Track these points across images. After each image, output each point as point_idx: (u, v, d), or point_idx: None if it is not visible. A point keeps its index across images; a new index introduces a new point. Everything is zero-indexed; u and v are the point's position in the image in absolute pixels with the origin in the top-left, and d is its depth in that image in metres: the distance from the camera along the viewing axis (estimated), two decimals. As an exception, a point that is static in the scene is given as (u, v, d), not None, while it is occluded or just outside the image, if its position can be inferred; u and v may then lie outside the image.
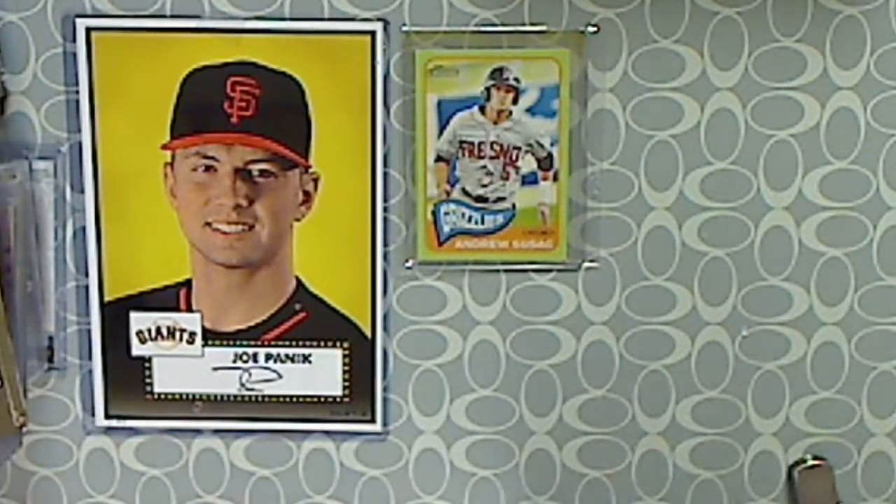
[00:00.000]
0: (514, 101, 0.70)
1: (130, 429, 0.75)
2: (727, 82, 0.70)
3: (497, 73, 0.69)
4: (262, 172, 0.70)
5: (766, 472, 0.76)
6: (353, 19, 0.69)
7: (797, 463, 0.75)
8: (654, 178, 0.71)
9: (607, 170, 0.71)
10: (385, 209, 0.71)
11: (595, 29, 0.69)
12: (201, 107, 0.70)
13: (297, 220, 0.71)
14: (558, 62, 0.69)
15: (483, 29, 0.69)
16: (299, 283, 0.72)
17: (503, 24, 0.69)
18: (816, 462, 0.75)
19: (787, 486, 0.76)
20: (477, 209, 0.71)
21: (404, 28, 0.69)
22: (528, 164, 0.71)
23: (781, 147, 0.71)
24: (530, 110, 0.70)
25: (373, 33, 0.69)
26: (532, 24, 0.69)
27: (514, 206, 0.71)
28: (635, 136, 0.71)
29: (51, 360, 0.73)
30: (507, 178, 0.71)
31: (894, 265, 0.72)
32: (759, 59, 0.69)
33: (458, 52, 0.69)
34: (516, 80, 0.69)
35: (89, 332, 0.73)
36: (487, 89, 0.69)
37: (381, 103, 0.70)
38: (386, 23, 0.69)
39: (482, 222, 0.71)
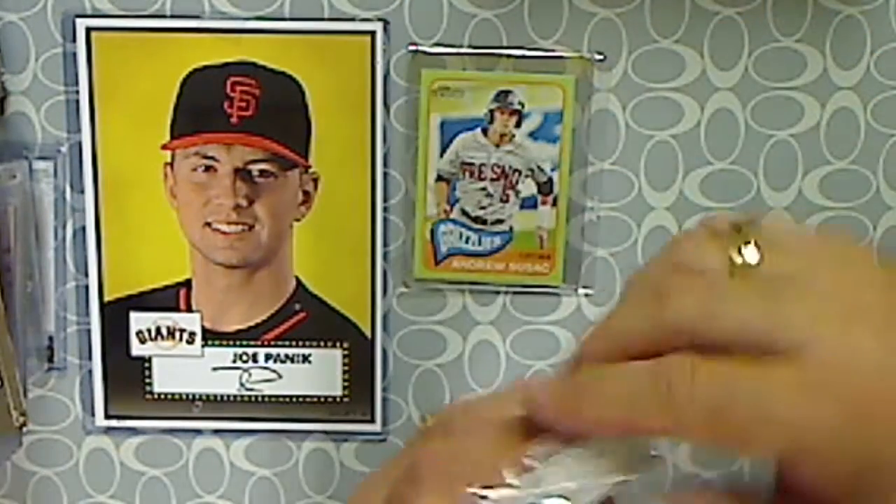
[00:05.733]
0: (517, 125, 0.70)
1: (130, 429, 0.75)
2: (727, 82, 0.70)
3: (502, 96, 0.69)
4: (262, 172, 0.70)
5: (766, 471, 0.76)
6: (353, 19, 0.69)
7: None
8: (654, 178, 0.71)
9: (607, 170, 0.71)
10: (385, 209, 0.71)
11: (601, 57, 0.68)
12: (201, 107, 0.70)
13: (297, 220, 0.71)
14: (563, 89, 0.69)
15: (488, 52, 0.69)
16: (299, 283, 0.72)
17: (504, 28, 0.69)
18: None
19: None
20: (475, 230, 0.71)
21: (411, 48, 0.69)
22: (527, 187, 0.70)
23: (781, 147, 0.71)
24: (532, 135, 0.70)
25: (373, 33, 0.69)
26: (533, 30, 0.69)
27: (511, 228, 0.71)
28: (635, 136, 0.71)
29: (51, 359, 0.73)
30: (506, 201, 0.71)
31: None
32: (759, 59, 0.69)
33: (463, 74, 0.69)
34: (520, 104, 0.69)
35: (89, 332, 0.73)
36: (491, 112, 0.69)
37: (381, 103, 0.70)
38: (386, 23, 0.69)
39: (479, 243, 0.71)
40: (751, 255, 0.38)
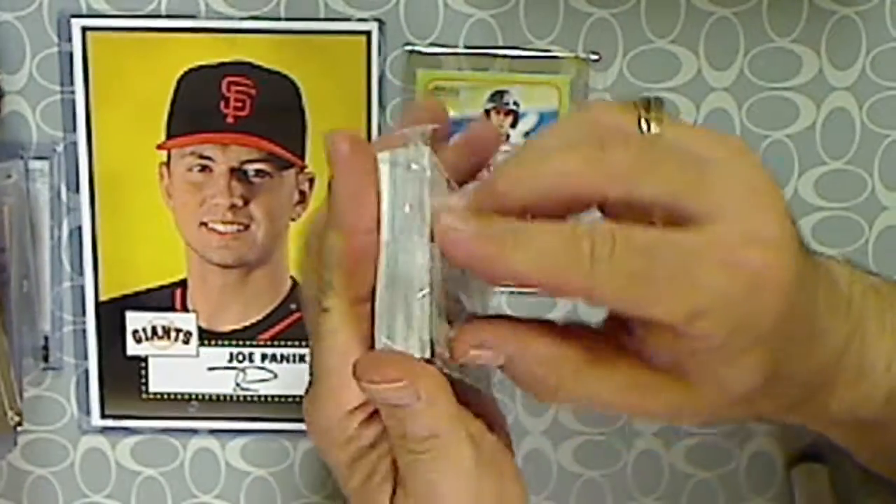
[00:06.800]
0: (513, 125, 0.70)
1: (126, 428, 0.75)
2: (723, 83, 0.70)
3: (497, 96, 0.69)
4: (258, 172, 0.70)
5: (762, 471, 0.76)
6: (348, 19, 0.69)
7: (794, 463, 0.75)
8: (649, 179, 0.71)
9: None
10: (381, 209, 0.71)
11: (597, 57, 0.68)
12: (197, 107, 0.70)
13: (293, 219, 0.71)
14: (558, 89, 0.69)
15: (484, 52, 0.69)
16: (295, 283, 0.72)
17: (500, 29, 0.69)
18: (813, 462, 0.75)
19: (784, 487, 0.76)
20: None
21: (407, 48, 0.69)
22: None
23: (777, 147, 0.71)
24: (528, 135, 0.70)
25: (368, 33, 0.69)
26: (528, 30, 0.69)
27: None
28: (631, 136, 0.71)
29: (46, 359, 0.73)
30: None
31: (889, 266, 0.72)
32: (754, 59, 0.69)
33: (459, 74, 0.69)
34: (516, 104, 0.69)
35: (85, 331, 0.73)
36: (487, 112, 0.69)
37: (377, 103, 0.70)
38: (382, 23, 0.69)
39: None
40: (656, 128, 0.41)
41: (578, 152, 0.40)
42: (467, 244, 0.39)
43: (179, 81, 0.70)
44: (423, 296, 0.41)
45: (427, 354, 0.41)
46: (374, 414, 0.43)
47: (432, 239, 0.40)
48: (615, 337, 0.43)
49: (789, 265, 0.39)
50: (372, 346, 0.42)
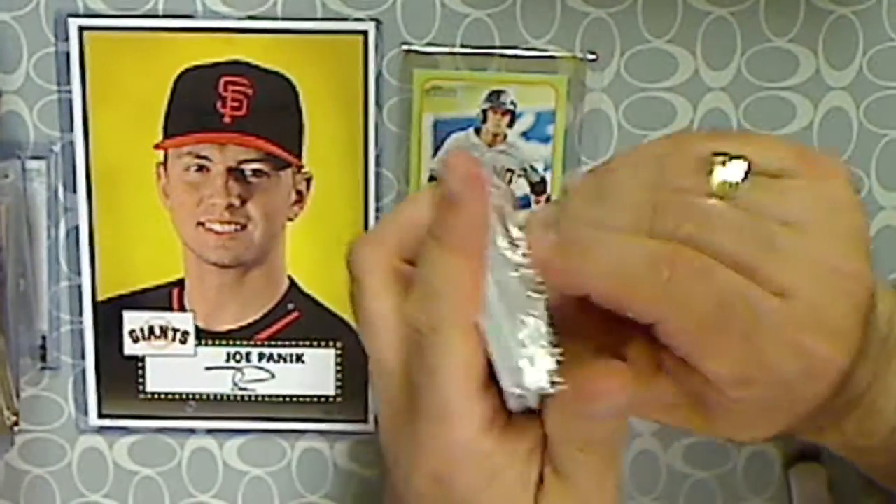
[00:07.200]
0: (510, 125, 0.69)
1: (123, 428, 0.75)
2: (720, 82, 0.70)
3: (494, 96, 0.69)
4: (255, 172, 0.70)
5: (760, 471, 0.76)
6: (345, 19, 0.69)
7: (791, 463, 0.75)
8: (646, 178, 0.71)
9: (600, 170, 0.71)
10: (378, 209, 0.71)
11: (594, 57, 0.68)
12: (194, 106, 0.70)
13: (290, 219, 0.71)
14: (555, 88, 0.69)
15: (481, 51, 0.69)
16: (292, 282, 0.72)
17: (497, 28, 0.69)
18: (811, 462, 0.75)
19: (782, 486, 0.76)
20: None
21: (404, 48, 0.69)
22: (521, 187, 0.70)
23: (774, 147, 0.71)
24: (525, 134, 0.70)
25: (365, 33, 0.69)
26: (525, 30, 0.69)
27: None
28: (628, 136, 0.71)
29: (44, 359, 0.73)
30: None
31: (888, 264, 0.72)
32: (751, 59, 0.69)
33: (456, 73, 0.69)
34: (513, 103, 0.69)
35: (82, 331, 0.73)
36: (484, 111, 0.69)
37: (374, 103, 0.70)
38: (379, 23, 0.69)
39: None
40: (737, 173, 0.38)
41: (634, 219, 0.38)
42: (542, 252, 0.38)
43: (176, 81, 0.70)
44: (531, 309, 0.40)
45: (557, 359, 0.39)
46: (507, 424, 0.41)
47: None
48: (651, 351, 0.42)
49: (848, 358, 0.38)
50: (490, 367, 0.40)
